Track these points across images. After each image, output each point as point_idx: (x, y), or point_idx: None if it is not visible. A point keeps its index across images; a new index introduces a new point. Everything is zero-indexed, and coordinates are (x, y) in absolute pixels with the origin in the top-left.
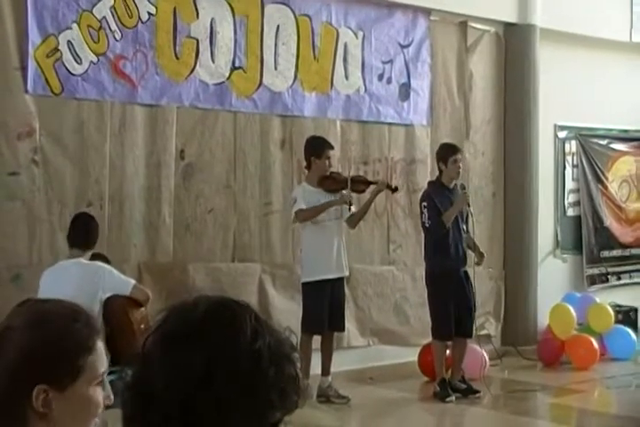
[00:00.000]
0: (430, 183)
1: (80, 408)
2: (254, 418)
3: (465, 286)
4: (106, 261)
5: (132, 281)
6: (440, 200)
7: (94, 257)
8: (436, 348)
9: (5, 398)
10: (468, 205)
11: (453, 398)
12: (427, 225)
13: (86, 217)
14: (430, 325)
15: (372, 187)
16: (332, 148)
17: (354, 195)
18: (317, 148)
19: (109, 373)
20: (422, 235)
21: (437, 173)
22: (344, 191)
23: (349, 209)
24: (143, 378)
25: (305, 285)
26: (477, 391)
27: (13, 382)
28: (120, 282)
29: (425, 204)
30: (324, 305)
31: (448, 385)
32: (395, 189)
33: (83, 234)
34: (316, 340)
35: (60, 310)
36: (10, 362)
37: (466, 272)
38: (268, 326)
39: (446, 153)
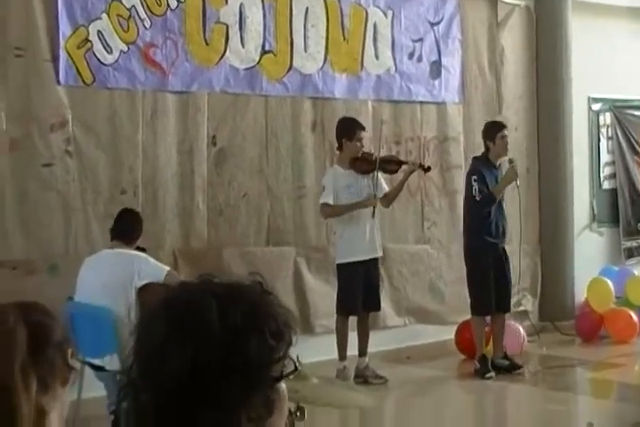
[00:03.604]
0: (476, 158)
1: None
2: (256, 386)
3: (503, 261)
4: (142, 250)
5: (167, 268)
6: (488, 176)
7: None
8: (475, 324)
9: (59, 360)
10: (516, 180)
11: (493, 374)
12: (477, 198)
13: (133, 213)
14: (469, 301)
15: (404, 167)
16: (363, 129)
17: (387, 176)
18: (348, 129)
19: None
20: (462, 209)
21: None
22: (372, 173)
23: (373, 215)
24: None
25: (339, 266)
26: (520, 366)
27: (61, 347)
28: (155, 269)
29: (475, 177)
30: (359, 286)
31: (488, 361)
32: (427, 169)
33: (127, 228)
34: (352, 320)
35: None
36: (57, 335)
37: (504, 248)
38: (233, 292)
39: (493, 130)
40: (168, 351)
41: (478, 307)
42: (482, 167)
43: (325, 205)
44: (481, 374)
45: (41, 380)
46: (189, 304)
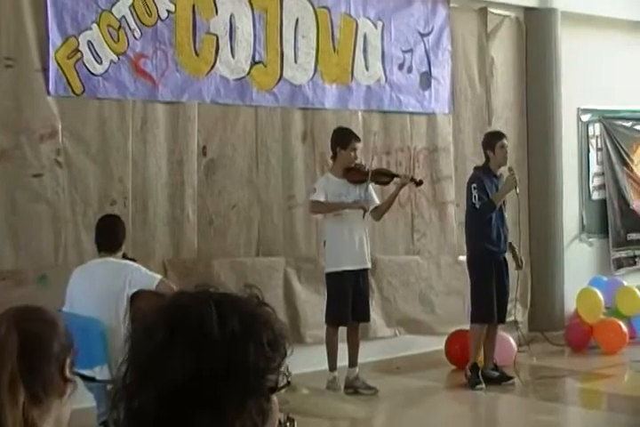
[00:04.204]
0: (477, 168)
1: (71, 391)
2: (252, 394)
3: (503, 272)
4: (132, 261)
5: (158, 276)
6: (488, 185)
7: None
8: (474, 332)
9: (54, 372)
10: (516, 188)
11: (483, 386)
12: (477, 206)
13: (111, 219)
14: (470, 309)
15: (395, 180)
16: (358, 140)
17: (378, 187)
18: (343, 138)
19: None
20: (464, 219)
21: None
22: (364, 184)
23: (363, 216)
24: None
25: (328, 275)
26: (511, 378)
27: (58, 359)
28: (146, 278)
29: (474, 185)
30: (348, 296)
31: (479, 372)
32: (419, 183)
33: (109, 238)
34: (342, 331)
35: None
36: (53, 346)
37: (505, 257)
38: (232, 301)
39: (493, 139)
40: (169, 357)
41: (480, 315)
42: (482, 176)
43: (316, 201)
44: (471, 384)
45: (32, 392)
46: (189, 311)
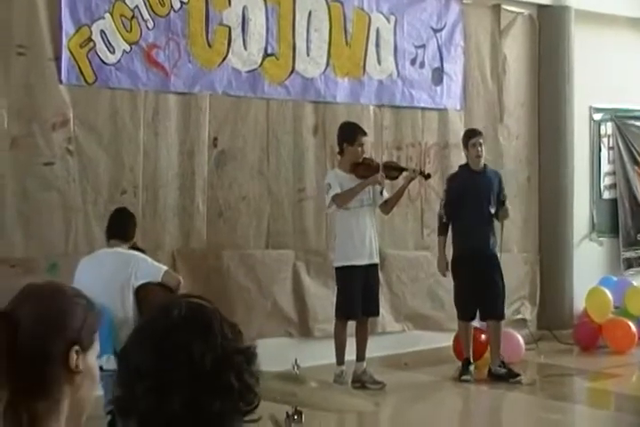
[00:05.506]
0: (460, 167)
1: (92, 374)
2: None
3: (489, 269)
4: (141, 251)
5: (164, 267)
6: (463, 184)
7: (130, 248)
8: (459, 328)
9: (44, 359)
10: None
11: (469, 377)
12: (441, 211)
13: (125, 213)
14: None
15: (404, 173)
16: (364, 134)
17: (387, 181)
18: (349, 134)
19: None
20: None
21: None
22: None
23: (381, 193)
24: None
25: (338, 270)
26: (518, 375)
27: (53, 341)
28: (152, 268)
29: (445, 188)
30: (358, 290)
31: (470, 366)
32: (427, 176)
33: (121, 227)
34: (351, 325)
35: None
36: (50, 324)
37: (492, 255)
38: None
39: (466, 137)
40: (194, 349)
41: (459, 312)
42: (458, 177)
43: (336, 195)
44: (459, 375)
45: (37, 384)
46: (202, 316)
